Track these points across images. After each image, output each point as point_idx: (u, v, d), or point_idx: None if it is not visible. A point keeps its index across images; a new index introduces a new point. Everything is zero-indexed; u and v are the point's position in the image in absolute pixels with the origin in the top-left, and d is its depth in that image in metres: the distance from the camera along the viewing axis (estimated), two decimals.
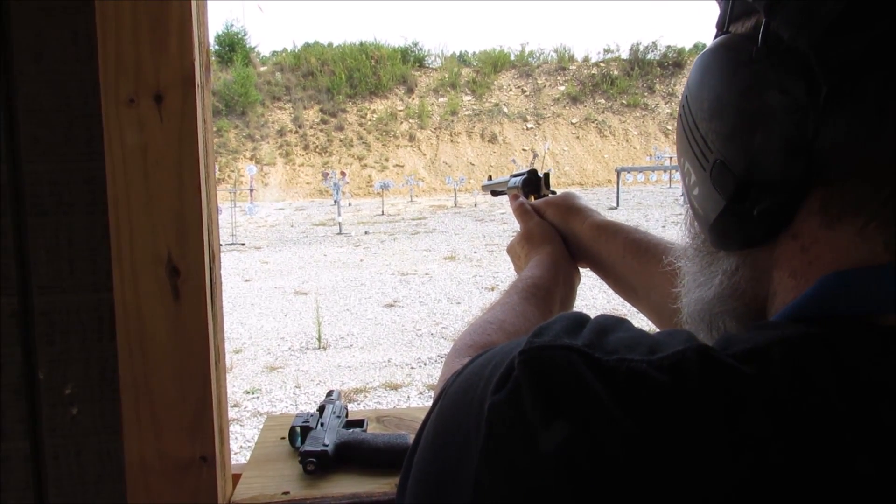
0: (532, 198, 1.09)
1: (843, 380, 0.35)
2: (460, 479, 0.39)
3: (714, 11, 0.51)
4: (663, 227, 13.36)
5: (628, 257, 0.89)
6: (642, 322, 0.91)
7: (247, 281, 9.60)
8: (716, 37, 0.48)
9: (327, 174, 19.57)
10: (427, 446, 0.45)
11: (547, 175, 1.11)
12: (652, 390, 0.36)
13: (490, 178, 1.32)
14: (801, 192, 0.42)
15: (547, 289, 0.86)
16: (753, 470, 0.33)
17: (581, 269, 0.98)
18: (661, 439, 0.34)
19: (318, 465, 0.97)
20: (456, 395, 0.44)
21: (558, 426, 0.36)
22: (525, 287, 0.85)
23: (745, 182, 0.43)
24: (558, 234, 0.98)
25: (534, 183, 1.10)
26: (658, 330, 0.87)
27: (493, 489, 0.37)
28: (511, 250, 1.03)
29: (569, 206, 0.99)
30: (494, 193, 1.26)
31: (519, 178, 1.13)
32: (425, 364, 5.78)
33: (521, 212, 1.03)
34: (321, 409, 1.11)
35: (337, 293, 8.65)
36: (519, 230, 1.02)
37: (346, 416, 1.12)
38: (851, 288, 0.39)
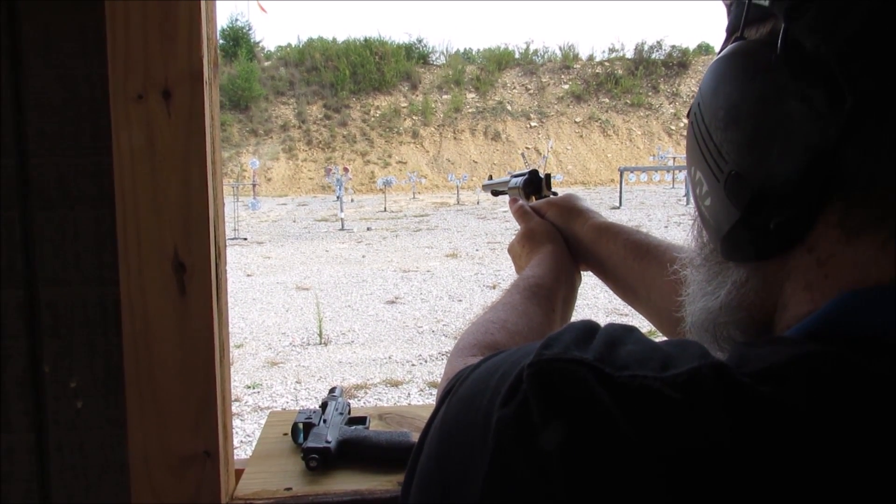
0: (533, 198, 1.08)
1: (863, 400, 0.34)
2: (465, 491, 0.38)
3: (720, 11, 0.50)
4: (665, 227, 13.35)
5: (629, 259, 0.88)
6: (643, 324, 0.91)
7: (248, 276, 9.61)
8: (728, 43, 0.47)
9: (330, 170, 19.58)
10: (431, 453, 0.44)
11: (548, 175, 1.10)
12: (664, 409, 0.35)
13: (490, 177, 1.29)
14: (819, 205, 0.40)
15: (549, 288, 0.85)
16: (766, 491, 0.32)
17: (582, 271, 0.97)
18: (671, 459, 0.33)
19: (321, 462, 0.97)
20: (461, 403, 0.43)
21: (566, 442, 0.35)
22: (527, 286, 0.84)
23: (761, 194, 0.42)
24: (559, 234, 0.97)
25: (535, 183, 1.09)
26: (658, 332, 0.87)
27: None
28: (512, 250, 1.02)
29: (570, 207, 0.98)
30: (495, 193, 1.24)
31: (520, 179, 1.11)
32: (426, 361, 5.78)
33: (521, 213, 1.02)
34: (324, 405, 1.12)
35: (338, 289, 8.65)
36: (520, 230, 1.01)
37: (349, 412, 1.13)
38: (868, 308, 0.38)
